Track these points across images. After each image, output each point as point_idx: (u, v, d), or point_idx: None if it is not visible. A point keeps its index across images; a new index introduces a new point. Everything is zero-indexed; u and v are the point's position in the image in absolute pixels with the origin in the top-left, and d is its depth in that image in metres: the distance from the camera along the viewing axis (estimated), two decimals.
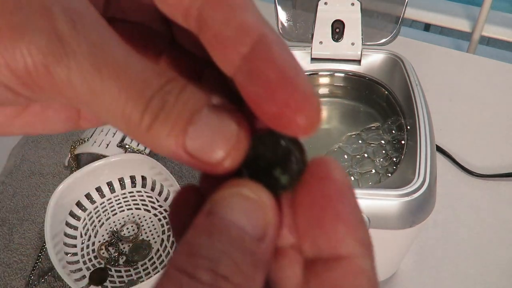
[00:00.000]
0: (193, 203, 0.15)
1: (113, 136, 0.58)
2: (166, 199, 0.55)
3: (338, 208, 0.13)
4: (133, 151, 0.57)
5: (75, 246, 0.51)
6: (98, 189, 0.56)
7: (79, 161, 0.61)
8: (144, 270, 0.50)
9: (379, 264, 0.40)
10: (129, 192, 0.57)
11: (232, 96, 0.15)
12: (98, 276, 0.49)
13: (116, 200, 0.56)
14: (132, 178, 0.57)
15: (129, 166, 0.56)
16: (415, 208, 0.37)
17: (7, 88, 0.12)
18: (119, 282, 0.49)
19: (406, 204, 0.36)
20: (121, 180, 0.57)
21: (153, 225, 0.54)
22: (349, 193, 0.13)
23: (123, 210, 0.55)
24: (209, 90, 0.14)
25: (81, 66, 0.12)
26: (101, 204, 0.55)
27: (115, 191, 0.57)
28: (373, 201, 0.36)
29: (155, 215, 0.55)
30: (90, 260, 0.51)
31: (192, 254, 0.12)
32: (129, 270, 0.50)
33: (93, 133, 0.59)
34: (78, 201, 0.54)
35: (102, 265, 0.50)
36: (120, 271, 0.50)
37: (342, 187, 0.13)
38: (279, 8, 0.53)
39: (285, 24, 0.54)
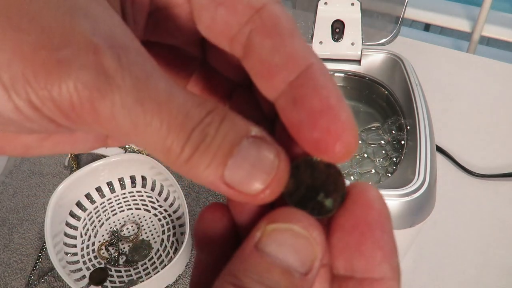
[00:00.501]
0: (219, 219, 0.15)
1: None
2: (166, 199, 0.55)
3: (377, 236, 0.14)
4: (133, 151, 0.57)
5: (75, 246, 0.51)
6: (98, 189, 0.56)
7: (79, 161, 0.61)
8: (144, 270, 0.50)
9: None
10: (129, 192, 0.57)
11: (262, 118, 0.15)
12: (98, 276, 0.49)
13: (116, 200, 0.56)
14: (132, 178, 0.57)
15: (129, 166, 0.56)
16: (415, 208, 0.37)
17: (50, 120, 0.12)
18: (119, 282, 0.49)
19: (406, 204, 0.36)
20: (121, 180, 0.57)
21: (153, 225, 0.54)
22: (387, 221, 0.14)
23: (123, 210, 0.55)
24: (241, 112, 0.14)
25: (124, 101, 0.12)
26: (101, 204, 0.55)
27: (115, 191, 0.57)
28: None
29: (155, 215, 0.55)
30: (90, 260, 0.51)
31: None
32: (129, 270, 0.50)
33: None
34: (78, 201, 0.54)
35: (102, 265, 0.50)
36: (120, 271, 0.50)
37: (382, 215, 0.14)
38: None
39: None
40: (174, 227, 0.53)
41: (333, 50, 0.52)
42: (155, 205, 0.56)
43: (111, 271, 0.50)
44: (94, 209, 0.55)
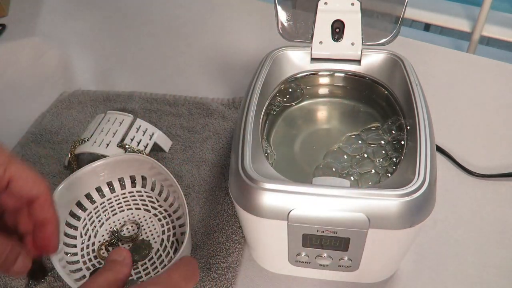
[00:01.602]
0: None
1: (113, 136, 0.58)
2: (166, 199, 0.55)
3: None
4: (133, 151, 0.57)
5: (75, 246, 0.51)
6: (98, 189, 0.56)
7: (79, 161, 0.61)
8: (144, 270, 0.50)
9: (379, 264, 0.40)
10: (129, 192, 0.57)
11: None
12: None
13: (116, 200, 0.56)
14: (132, 178, 0.57)
15: (129, 166, 0.56)
16: (415, 208, 0.37)
17: None
18: None
19: (406, 204, 0.36)
20: (121, 180, 0.57)
21: (153, 225, 0.54)
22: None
23: (123, 210, 0.55)
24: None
25: None
26: (101, 204, 0.55)
27: (115, 191, 0.57)
28: (373, 201, 0.36)
29: (155, 215, 0.55)
30: (90, 260, 0.51)
31: None
32: None
33: (93, 133, 0.59)
34: (78, 201, 0.54)
35: (102, 265, 0.50)
36: None
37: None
38: (279, 8, 0.53)
39: (285, 24, 0.54)
40: (174, 227, 0.53)
41: (333, 50, 0.52)
42: (155, 205, 0.56)
43: None
44: (94, 209, 0.55)
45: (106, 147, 0.56)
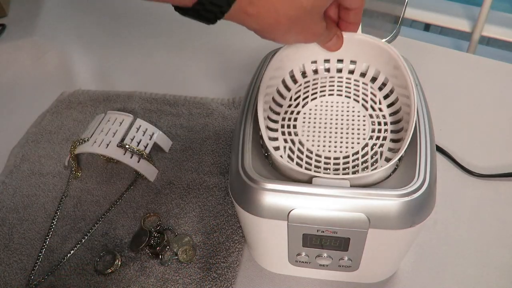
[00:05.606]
0: None
1: (113, 136, 0.58)
2: (390, 106, 0.43)
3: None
4: (133, 152, 0.57)
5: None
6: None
7: (79, 161, 0.61)
8: None
9: (379, 264, 0.40)
10: (347, 78, 0.45)
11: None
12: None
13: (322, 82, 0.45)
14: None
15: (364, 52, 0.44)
16: (415, 208, 0.37)
17: None
18: None
19: (406, 204, 0.36)
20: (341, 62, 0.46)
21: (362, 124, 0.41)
22: None
23: (326, 95, 0.45)
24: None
25: None
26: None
27: (329, 72, 0.46)
28: (373, 201, 0.36)
29: (370, 116, 0.42)
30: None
31: None
32: None
33: (93, 133, 0.58)
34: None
35: None
36: None
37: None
38: None
39: None
40: (384, 138, 0.41)
41: None
42: (373, 104, 0.43)
43: None
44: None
45: (106, 147, 0.56)
